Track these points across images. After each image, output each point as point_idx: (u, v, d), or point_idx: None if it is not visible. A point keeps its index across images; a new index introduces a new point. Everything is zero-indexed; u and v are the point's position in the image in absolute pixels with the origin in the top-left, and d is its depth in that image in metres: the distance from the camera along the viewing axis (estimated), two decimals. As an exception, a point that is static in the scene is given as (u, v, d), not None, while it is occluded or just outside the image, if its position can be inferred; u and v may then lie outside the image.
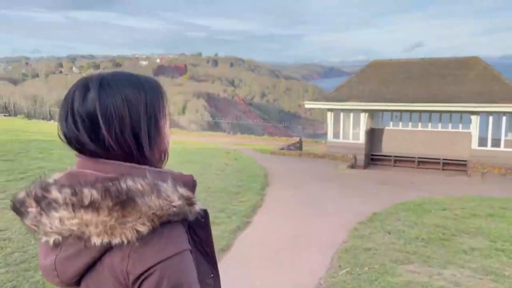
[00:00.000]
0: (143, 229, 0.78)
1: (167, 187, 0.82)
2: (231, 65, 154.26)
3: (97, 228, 0.78)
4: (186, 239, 0.84)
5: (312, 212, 7.20)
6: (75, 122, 0.85)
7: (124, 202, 0.78)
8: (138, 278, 0.79)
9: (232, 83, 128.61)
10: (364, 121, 16.37)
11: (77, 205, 0.79)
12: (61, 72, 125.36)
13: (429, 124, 16.57)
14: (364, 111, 16.15)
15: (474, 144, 14.69)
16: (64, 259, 0.84)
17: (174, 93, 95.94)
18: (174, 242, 0.81)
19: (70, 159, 0.93)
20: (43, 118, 26.98)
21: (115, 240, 0.78)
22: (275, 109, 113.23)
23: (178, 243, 0.82)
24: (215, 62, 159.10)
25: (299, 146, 18.74)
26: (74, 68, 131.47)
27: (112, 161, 0.86)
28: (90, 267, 0.82)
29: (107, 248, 0.79)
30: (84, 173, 0.85)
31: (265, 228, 6.19)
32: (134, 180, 0.81)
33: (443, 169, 15.97)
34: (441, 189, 9.93)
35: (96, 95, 0.86)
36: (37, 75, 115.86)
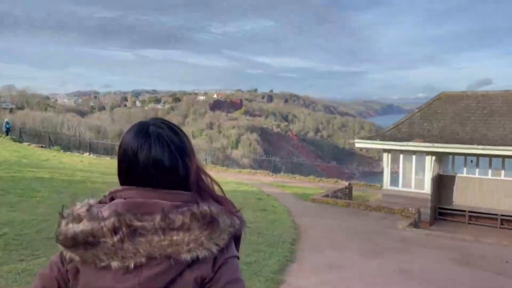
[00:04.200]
0: (222, 242, 1.00)
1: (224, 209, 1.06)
2: (286, 100, 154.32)
3: (188, 246, 0.95)
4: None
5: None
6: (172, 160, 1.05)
7: (211, 222, 0.98)
8: (212, 278, 0.99)
9: (286, 118, 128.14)
10: (430, 166, 13.25)
11: (166, 229, 0.95)
12: (125, 105, 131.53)
13: (516, 173, 13.04)
14: (431, 153, 13.06)
15: None
16: (151, 277, 0.95)
17: (229, 127, 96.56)
18: (234, 248, 1.06)
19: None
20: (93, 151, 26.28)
21: (202, 254, 0.96)
22: (329, 145, 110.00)
23: (235, 250, 1.07)
24: (270, 97, 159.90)
25: (347, 192, 15.80)
26: (137, 102, 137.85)
27: (174, 191, 1.02)
28: (176, 279, 0.97)
29: (193, 262, 0.96)
30: (150, 202, 0.99)
31: None
32: (208, 205, 1.02)
33: (537, 232, 12.27)
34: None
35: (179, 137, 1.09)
36: (104, 108, 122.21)
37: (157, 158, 1.00)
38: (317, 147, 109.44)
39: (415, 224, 11.84)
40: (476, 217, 13.28)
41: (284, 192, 16.23)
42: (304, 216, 10.56)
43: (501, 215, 12.77)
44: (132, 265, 0.94)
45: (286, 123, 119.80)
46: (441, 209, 13.83)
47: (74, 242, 0.97)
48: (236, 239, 1.07)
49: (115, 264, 0.94)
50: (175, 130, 1.06)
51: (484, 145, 11.90)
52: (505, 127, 12.31)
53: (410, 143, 13.04)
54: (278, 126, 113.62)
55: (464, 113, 13.42)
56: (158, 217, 0.95)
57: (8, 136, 27.27)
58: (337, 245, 7.63)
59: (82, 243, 0.96)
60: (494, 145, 11.77)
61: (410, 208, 12.37)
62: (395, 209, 12.53)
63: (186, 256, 0.94)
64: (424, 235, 10.16)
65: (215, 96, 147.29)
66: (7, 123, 30.41)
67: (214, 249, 0.97)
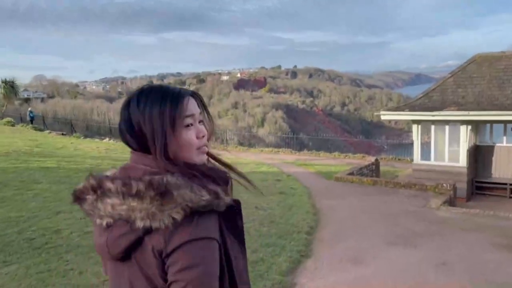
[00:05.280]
0: (178, 216, 0.96)
1: (199, 183, 1.01)
2: (310, 76, 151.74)
3: (141, 213, 0.97)
4: (215, 230, 1.00)
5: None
6: (121, 124, 1.11)
7: (163, 193, 0.97)
8: (168, 255, 0.96)
9: (311, 94, 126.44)
10: (465, 136, 11.96)
11: (126, 194, 0.99)
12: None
13: None
14: (466, 122, 11.76)
15: None
16: (114, 238, 1.03)
17: (253, 105, 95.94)
18: (202, 228, 0.98)
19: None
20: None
21: (155, 224, 0.96)
22: (356, 119, 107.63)
23: (205, 230, 0.98)
24: (294, 73, 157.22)
25: (374, 168, 14.70)
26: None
27: (157, 159, 1.05)
28: (136, 245, 1.00)
29: (148, 231, 0.97)
30: (135, 167, 1.07)
31: None
32: (173, 176, 1.01)
33: None
34: None
35: (133, 106, 1.08)
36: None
37: (119, 122, 1.12)
38: (344, 122, 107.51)
39: (451, 202, 10.71)
40: (519, 191, 11.97)
41: (307, 171, 15.31)
42: (326, 198, 9.65)
43: (549, 187, 11.44)
44: (104, 224, 1.03)
45: (311, 99, 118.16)
46: (479, 183, 12.57)
47: (74, 197, 1.10)
48: (225, 218, 1.04)
49: (97, 221, 1.05)
50: (140, 97, 1.09)
51: (528, 110, 10.52)
52: (553, 89, 10.83)
53: (442, 112, 11.76)
54: (304, 102, 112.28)
55: (503, 75, 11.95)
56: (120, 182, 1.01)
57: (31, 125, 27.43)
58: (361, 233, 6.70)
59: (77, 198, 1.09)
60: (540, 109, 10.37)
61: (444, 184, 11.20)
62: (427, 186, 11.39)
63: (140, 224, 0.97)
64: (461, 214, 9.06)
65: (238, 75, 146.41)
66: (31, 111, 30.68)
67: (167, 221, 0.96)
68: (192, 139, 1.08)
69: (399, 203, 9.75)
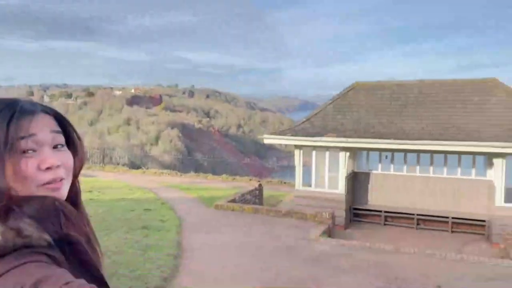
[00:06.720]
0: None
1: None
2: (207, 96, 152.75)
3: None
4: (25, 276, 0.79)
5: None
6: None
7: None
8: None
9: (207, 114, 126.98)
10: (344, 163, 11.91)
11: None
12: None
13: (431, 169, 12.21)
14: (345, 149, 11.71)
15: (499, 199, 10.33)
16: None
17: (148, 123, 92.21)
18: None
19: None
20: None
21: None
22: (250, 141, 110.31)
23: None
24: (192, 93, 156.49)
25: (258, 194, 14.02)
26: (45, 97, 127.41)
27: None
28: None
29: None
30: None
31: None
32: None
33: (452, 231, 11.53)
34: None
35: None
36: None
37: None
38: (239, 143, 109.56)
39: (330, 232, 10.36)
40: (392, 217, 12.26)
41: (188, 197, 14.01)
42: (198, 232, 8.45)
43: (417, 215, 11.86)
44: None
45: (208, 119, 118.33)
46: (356, 210, 12.62)
47: None
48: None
49: None
50: None
51: (400, 139, 10.77)
52: (422, 119, 11.33)
53: (323, 138, 11.56)
54: (200, 122, 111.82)
55: (380, 104, 12.28)
56: None
57: None
58: (226, 280, 5.59)
59: None
60: (411, 139, 10.69)
61: (323, 213, 10.87)
62: (307, 215, 10.95)
63: None
64: (339, 247, 8.61)
65: (132, 91, 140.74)
66: None
67: None
68: (27, 171, 0.81)
69: (277, 237, 8.99)
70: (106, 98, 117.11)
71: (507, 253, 8.60)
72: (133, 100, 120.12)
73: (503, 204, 10.30)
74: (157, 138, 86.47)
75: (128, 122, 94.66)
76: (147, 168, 25.15)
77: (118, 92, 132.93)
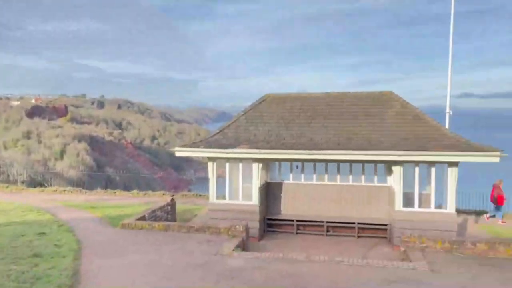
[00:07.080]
0: None
1: None
2: (119, 107, 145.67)
3: None
4: None
5: None
6: None
7: None
8: None
9: (119, 125, 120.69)
10: (257, 174, 11.91)
11: None
12: None
13: (338, 177, 12.77)
14: (258, 160, 11.73)
15: (398, 204, 11.09)
16: None
17: (51, 136, 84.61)
18: None
19: None
20: None
21: None
22: (166, 153, 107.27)
23: None
24: (101, 103, 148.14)
25: (170, 209, 13.42)
26: None
27: None
28: None
29: None
30: None
31: None
32: None
33: (358, 236, 12.12)
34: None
35: None
36: None
37: None
38: (154, 155, 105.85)
39: (243, 245, 10.21)
40: (304, 226, 12.54)
41: (92, 217, 12.89)
42: (100, 257, 7.69)
43: (327, 222, 12.27)
44: None
45: (119, 131, 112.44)
46: (270, 220, 12.69)
47: None
48: None
49: None
50: None
51: (310, 149, 11.07)
52: (329, 130, 11.80)
53: (235, 150, 11.44)
54: (111, 134, 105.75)
55: (289, 115, 12.56)
56: None
57: None
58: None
59: None
60: (319, 149, 11.05)
61: (237, 226, 10.70)
62: (221, 229, 10.70)
63: None
64: (253, 261, 8.46)
65: (33, 101, 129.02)
66: None
67: None
68: None
69: (189, 253, 8.57)
70: (1, 109, 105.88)
71: (407, 255, 9.21)
72: (34, 111, 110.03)
73: (401, 208, 11.07)
74: (62, 153, 79.60)
75: (28, 135, 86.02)
76: (50, 185, 22.91)
77: (16, 103, 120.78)
